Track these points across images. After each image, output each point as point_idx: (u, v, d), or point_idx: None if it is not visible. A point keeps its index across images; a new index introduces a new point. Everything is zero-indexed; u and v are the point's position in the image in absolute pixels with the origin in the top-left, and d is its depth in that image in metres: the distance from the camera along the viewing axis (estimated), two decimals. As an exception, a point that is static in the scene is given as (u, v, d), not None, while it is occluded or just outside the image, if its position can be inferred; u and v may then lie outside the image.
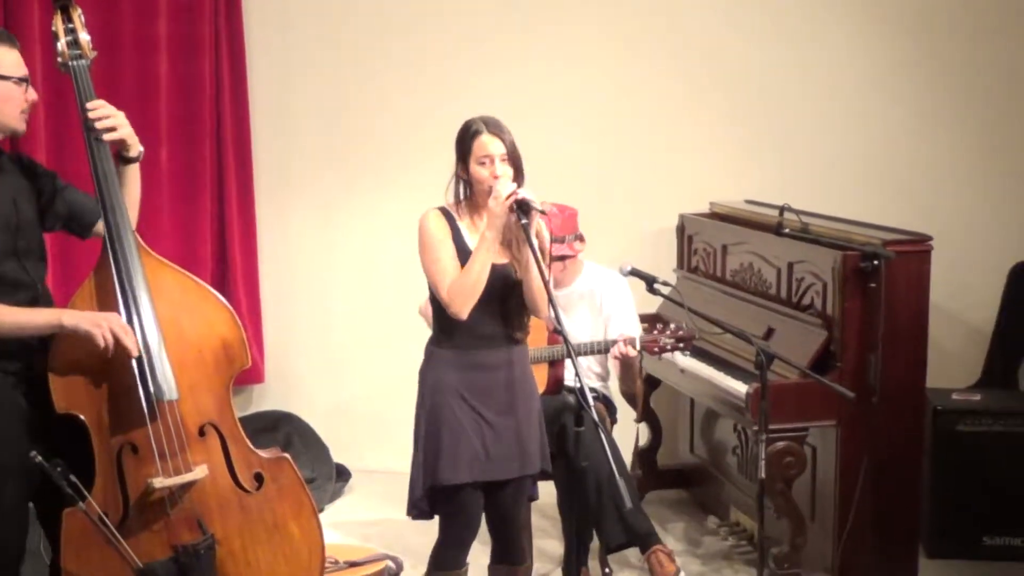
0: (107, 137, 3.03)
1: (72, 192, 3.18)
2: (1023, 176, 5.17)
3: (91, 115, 3.02)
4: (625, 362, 4.09)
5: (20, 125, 3.02)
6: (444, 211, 3.34)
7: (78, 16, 3.10)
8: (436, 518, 3.42)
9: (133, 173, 3.12)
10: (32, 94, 3.04)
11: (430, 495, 3.34)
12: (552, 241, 3.67)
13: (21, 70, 2.99)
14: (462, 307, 3.20)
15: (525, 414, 3.35)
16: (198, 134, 5.23)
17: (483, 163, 3.23)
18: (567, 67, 5.29)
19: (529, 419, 3.36)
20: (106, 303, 3.02)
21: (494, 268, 3.25)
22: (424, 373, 3.38)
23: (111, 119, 3.03)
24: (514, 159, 3.26)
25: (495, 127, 3.25)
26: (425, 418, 3.34)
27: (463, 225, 3.32)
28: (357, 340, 5.44)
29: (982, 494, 4.37)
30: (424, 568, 3.57)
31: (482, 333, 3.29)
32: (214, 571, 3.08)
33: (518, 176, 3.27)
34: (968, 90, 5.16)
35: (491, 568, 3.55)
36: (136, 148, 3.10)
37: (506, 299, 3.29)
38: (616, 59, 5.29)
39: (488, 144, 3.23)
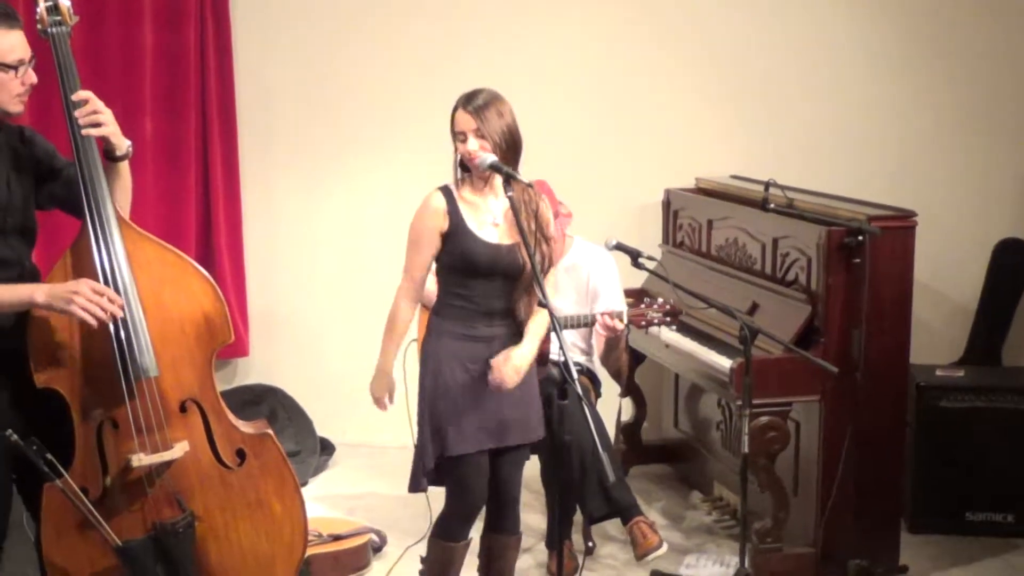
0: (89, 132, 2.94)
1: (72, 171, 3.07)
2: (1007, 154, 5.16)
3: (76, 111, 2.94)
4: (610, 338, 4.05)
5: (14, 108, 2.93)
6: (445, 190, 3.31)
7: None
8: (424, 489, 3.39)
9: (123, 171, 3.05)
10: (31, 77, 2.93)
11: (438, 468, 3.33)
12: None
13: (14, 55, 2.87)
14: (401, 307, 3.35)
15: (524, 384, 3.32)
16: (183, 105, 5.16)
17: (459, 138, 3.24)
18: (555, 42, 5.25)
19: (529, 388, 3.37)
20: (84, 276, 2.94)
21: (502, 249, 3.25)
22: (427, 344, 3.36)
23: (97, 115, 2.95)
24: (495, 136, 3.20)
25: (470, 102, 3.23)
26: (431, 390, 3.32)
27: (463, 203, 3.28)
28: (342, 313, 5.41)
29: (965, 470, 4.38)
30: (408, 541, 3.55)
31: (487, 309, 3.28)
32: (193, 549, 3.05)
33: (511, 155, 3.24)
34: (954, 68, 5.14)
35: (484, 536, 3.53)
36: (122, 147, 3.02)
37: (513, 279, 3.27)
38: (604, 34, 5.25)
39: (460, 120, 3.23)
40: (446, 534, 3.42)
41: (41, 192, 3.06)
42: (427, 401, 3.31)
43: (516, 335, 3.29)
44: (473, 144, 3.20)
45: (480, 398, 3.26)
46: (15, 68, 2.88)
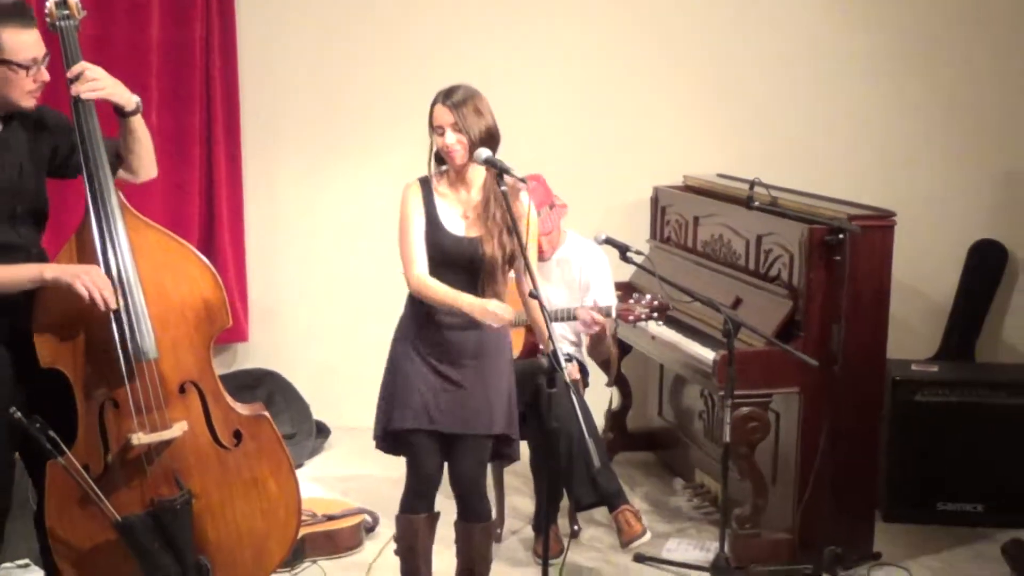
0: (89, 96, 2.93)
1: None
2: (984, 157, 5.17)
3: (69, 75, 2.93)
4: (596, 332, 4.05)
5: (25, 103, 2.92)
6: (423, 181, 3.32)
7: None
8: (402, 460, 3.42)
9: (135, 125, 3.03)
10: (44, 75, 2.92)
11: (387, 438, 3.36)
12: (538, 214, 3.74)
13: (26, 53, 2.85)
14: (420, 298, 3.27)
15: (492, 376, 3.33)
16: (188, 98, 5.15)
17: (437, 131, 3.24)
18: (548, 41, 5.25)
19: (495, 382, 3.34)
20: (88, 262, 2.96)
21: (463, 241, 3.27)
22: (398, 326, 3.40)
23: (93, 81, 2.93)
24: (473, 131, 3.19)
25: (448, 97, 3.22)
26: (389, 367, 3.36)
27: (438, 195, 3.30)
28: (339, 301, 5.42)
29: (937, 462, 4.38)
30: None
31: None
32: (191, 525, 3.05)
33: (490, 146, 3.23)
34: (935, 76, 5.16)
35: (455, 523, 3.54)
36: (130, 103, 3.01)
37: (474, 271, 3.27)
38: (595, 35, 5.25)
39: (438, 114, 3.23)
40: (406, 507, 3.43)
41: (66, 168, 3.05)
42: (385, 376, 3.34)
43: (475, 325, 3.26)
44: (451, 138, 3.20)
45: (427, 382, 3.27)
46: (27, 67, 2.86)
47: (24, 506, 3.29)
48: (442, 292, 3.23)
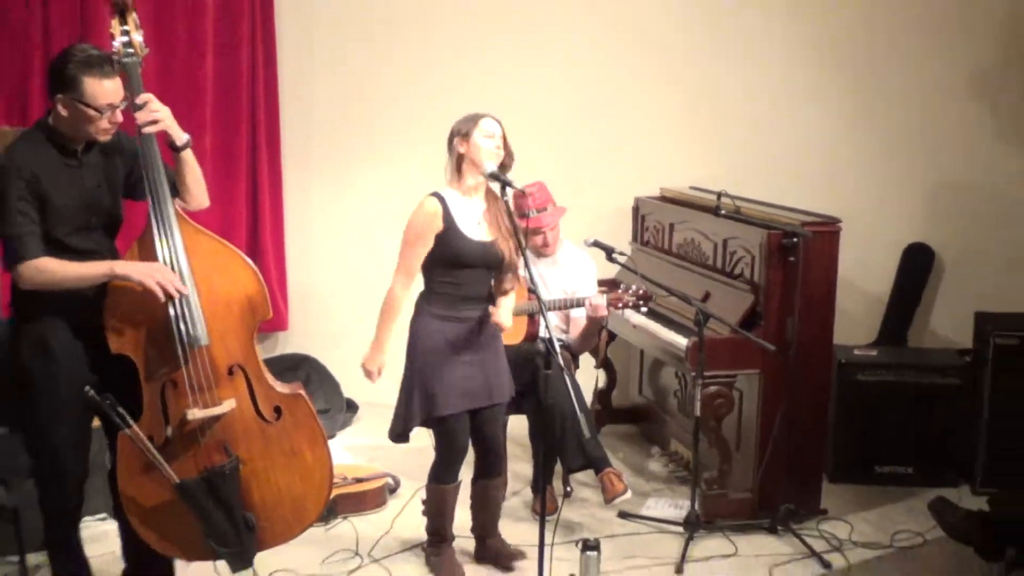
0: (148, 130, 2.93)
1: None
2: (915, 172, 5.13)
3: (137, 113, 2.92)
4: (589, 328, 4.04)
5: (101, 138, 2.92)
6: (439, 196, 3.26)
7: (133, 20, 2.98)
8: (413, 442, 3.42)
9: (187, 160, 3.02)
10: (117, 117, 2.91)
11: (427, 424, 3.33)
12: (544, 211, 3.90)
13: (103, 99, 2.84)
14: (386, 308, 3.32)
15: (494, 354, 3.35)
16: (236, 122, 5.14)
17: (488, 137, 3.24)
18: (549, 74, 5.23)
19: (498, 358, 3.38)
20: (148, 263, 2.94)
21: (487, 244, 3.25)
22: (415, 324, 3.34)
23: (154, 114, 2.93)
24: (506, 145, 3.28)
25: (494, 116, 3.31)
26: (419, 362, 3.29)
27: (454, 206, 3.26)
28: (366, 294, 5.31)
29: (875, 432, 4.38)
30: (418, 484, 3.55)
31: (467, 295, 3.28)
32: (239, 487, 3.05)
33: (508, 158, 3.27)
34: (872, 101, 5.11)
35: (473, 482, 3.53)
36: (180, 138, 2.99)
37: (490, 268, 3.28)
38: (585, 70, 5.23)
39: (491, 127, 3.26)
40: (439, 479, 3.42)
41: (136, 189, 3.03)
42: (416, 371, 3.28)
43: (481, 318, 3.28)
44: (501, 145, 3.24)
45: (459, 369, 3.27)
46: (103, 111, 2.86)
47: (102, 469, 3.28)
48: (397, 312, 3.27)
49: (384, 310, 3.30)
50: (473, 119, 3.26)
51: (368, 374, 3.35)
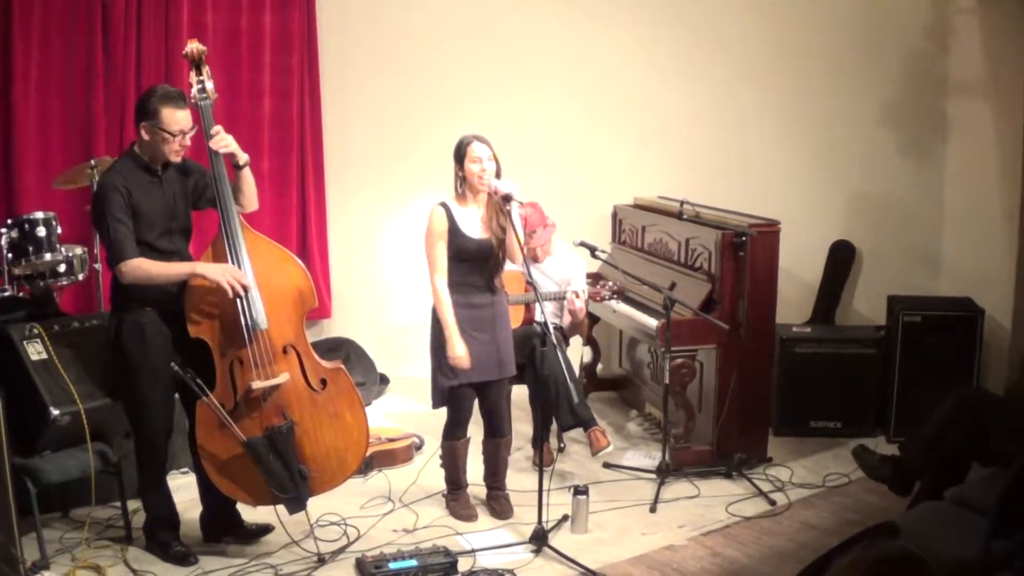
0: (219, 150, 3.01)
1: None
2: (840, 180, 5.09)
3: (210, 141, 2.99)
4: (575, 314, 4.05)
5: (173, 159, 2.98)
6: (444, 205, 3.29)
7: (206, 71, 3.07)
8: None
9: (245, 175, 3.08)
10: (186, 141, 2.96)
11: (445, 394, 3.35)
12: (534, 233, 3.91)
13: (176, 127, 2.91)
14: (436, 303, 3.27)
15: (503, 336, 3.35)
16: (288, 149, 5.13)
17: (474, 161, 3.23)
18: (538, 98, 5.21)
19: (506, 338, 3.37)
20: (219, 263, 2.99)
21: (479, 241, 3.25)
22: (435, 312, 3.36)
23: (223, 139, 3.00)
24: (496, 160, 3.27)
25: (481, 139, 3.28)
26: (441, 341, 3.30)
27: (458, 214, 3.29)
28: (396, 288, 5.40)
29: (810, 394, 4.38)
30: (438, 443, 3.56)
31: (472, 283, 3.31)
32: (294, 444, 3.07)
33: (498, 174, 3.27)
34: (803, 124, 5.07)
35: (484, 441, 3.55)
36: (242, 158, 3.06)
37: (487, 261, 3.29)
38: (574, 96, 5.21)
39: (480, 150, 3.26)
40: (450, 435, 3.44)
41: (200, 200, 3.10)
42: (443, 351, 3.29)
43: (495, 302, 3.29)
44: (490, 166, 3.23)
45: (472, 346, 3.27)
46: (175, 136, 2.92)
47: (183, 432, 3.31)
48: (449, 302, 3.22)
49: (438, 306, 3.27)
50: (464, 145, 3.27)
51: (457, 360, 3.21)
